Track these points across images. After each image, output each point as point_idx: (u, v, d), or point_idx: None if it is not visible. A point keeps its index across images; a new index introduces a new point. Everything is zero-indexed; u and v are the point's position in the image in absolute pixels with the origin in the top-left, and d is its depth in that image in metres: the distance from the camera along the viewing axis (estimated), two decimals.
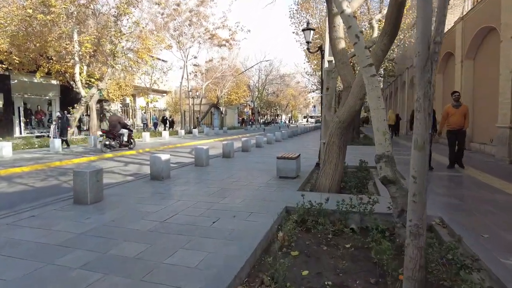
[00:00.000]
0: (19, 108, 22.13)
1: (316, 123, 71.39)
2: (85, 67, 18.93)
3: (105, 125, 28.56)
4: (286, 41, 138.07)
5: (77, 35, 17.00)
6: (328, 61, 8.07)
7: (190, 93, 32.21)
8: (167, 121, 33.95)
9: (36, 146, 15.40)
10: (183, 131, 24.99)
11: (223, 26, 31.61)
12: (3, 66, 17.42)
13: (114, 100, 25.65)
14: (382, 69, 15.95)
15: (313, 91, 32.50)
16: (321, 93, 9.80)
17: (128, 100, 31.48)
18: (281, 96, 60.22)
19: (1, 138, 18.59)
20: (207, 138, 23.15)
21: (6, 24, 16.25)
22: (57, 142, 13.97)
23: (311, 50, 10.19)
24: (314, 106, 66.91)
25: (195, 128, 30.47)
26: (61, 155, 12.53)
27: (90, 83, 18.81)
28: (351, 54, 7.27)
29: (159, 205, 5.23)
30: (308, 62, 21.61)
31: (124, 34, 17.88)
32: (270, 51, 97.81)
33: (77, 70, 17.53)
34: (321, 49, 9.41)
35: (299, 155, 7.85)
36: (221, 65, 36.61)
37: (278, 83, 56.60)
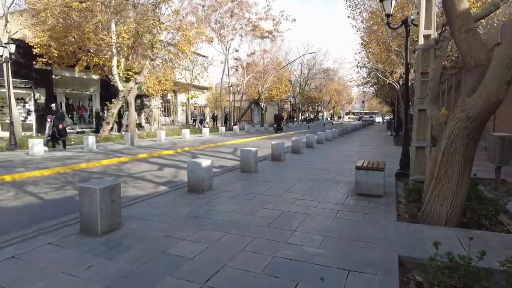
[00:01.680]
0: (61, 103, 21.82)
1: (359, 120, 67.43)
2: (123, 60, 17.95)
3: (145, 120, 28.01)
4: (331, 33, 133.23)
5: (114, 25, 15.96)
6: (425, 36, 5.89)
7: (231, 88, 30.77)
8: (216, 118, 32.86)
9: (73, 142, 14.57)
10: (223, 128, 23.56)
11: (266, 16, 29.77)
12: (43, 60, 16.89)
13: (153, 95, 24.76)
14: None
15: (362, 85, 29.64)
16: (400, 81, 7.66)
17: (169, 96, 30.74)
18: (324, 91, 57.24)
19: (42, 134, 18.28)
20: (248, 136, 21.46)
21: (45, 16, 15.60)
22: (91, 140, 12.92)
23: (392, 26, 7.97)
24: (363, 102, 62.70)
25: (235, 125, 28.99)
26: (93, 154, 11.39)
27: (128, 76, 17.81)
28: (478, 17, 5.02)
29: (197, 242, 3.47)
30: (364, 50, 19.05)
31: (163, 23, 16.59)
32: (313, 43, 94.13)
33: (114, 62, 16.55)
34: (405, 23, 7.20)
35: (385, 163, 5.75)
36: (263, 59, 34.80)
37: (321, 78, 53.77)
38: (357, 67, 21.70)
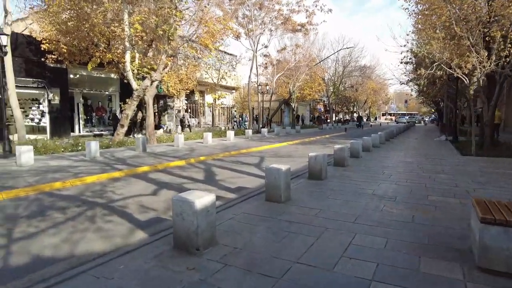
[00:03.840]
0: (78, 104, 20.55)
1: (396, 122, 62.52)
2: (137, 56, 16.10)
3: (168, 122, 26.31)
4: (365, 30, 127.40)
5: (127, 16, 14.09)
6: None
7: (259, 87, 28.37)
8: (256, 119, 30.63)
9: (80, 148, 12.81)
10: (250, 131, 21.21)
11: (298, 8, 27.12)
12: (53, 56, 15.40)
13: (175, 95, 22.91)
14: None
15: (406, 83, 26.12)
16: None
17: (196, 96, 28.96)
18: (360, 90, 53.39)
19: (57, 137, 16.87)
20: (278, 140, 18.93)
21: (55, 10, 14.06)
22: (94, 146, 11.02)
23: None
24: (406, 101, 57.66)
25: (263, 127, 26.59)
26: (89, 165, 9.40)
27: (143, 74, 15.93)
28: None
29: None
30: (416, 39, 15.90)
31: (180, 11, 14.51)
32: (349, 39, 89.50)
33: (127, 58, 14.69)
34: None
35: None
36: (295, 54, 32.13)
37: (357, 76, 50.07)
38: (401, 63, 18.58)
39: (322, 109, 54.47)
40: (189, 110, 28.25)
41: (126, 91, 20.75)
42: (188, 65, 22.77)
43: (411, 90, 31.76)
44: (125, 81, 16.29)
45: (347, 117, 63.87)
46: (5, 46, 10.86)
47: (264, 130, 22.88)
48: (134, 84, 15.17)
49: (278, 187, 5.18)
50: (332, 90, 45.47)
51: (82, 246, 3.68)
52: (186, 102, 28.00)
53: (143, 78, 15.99)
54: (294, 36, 31.69)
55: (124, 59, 15.06)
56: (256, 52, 27.21)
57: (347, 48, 38.16)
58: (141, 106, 19.39)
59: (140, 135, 19.11)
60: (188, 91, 24.65)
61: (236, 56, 31.45)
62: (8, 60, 12.97)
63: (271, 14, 27.34)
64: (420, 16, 14.18)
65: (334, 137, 22.43)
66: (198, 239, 3.30)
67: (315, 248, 3.43)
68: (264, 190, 5.60)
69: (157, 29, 14.46)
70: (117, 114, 19.97)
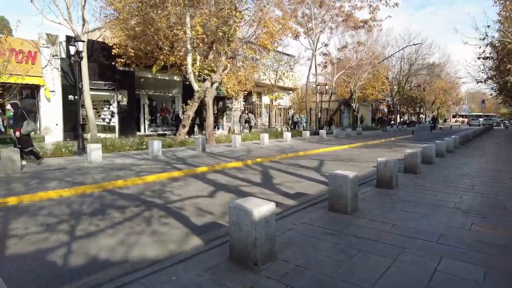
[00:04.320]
0: (143, 105, 21.76)
1: (469, 124, 56.45)
2: (198, 58, 16.46)
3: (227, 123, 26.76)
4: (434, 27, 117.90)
5: (189, 18, 14.46)
6: None
7: (318, 87, 27.49)
8: (319, 120, 29.79)
9: (144, 147, 13.40)
10: (307, 133, 20.56)
11: (361, 4, 25.76)
12: (122, 60, 16.42)
13: (234, 96, 23.14)
14: None
15: (485, 81, 23.21)
16: None
17: (253, 98, 29.09)
18: (427, 89, 49.30)
19: (124, 136, 18.03)
20: (338, 143, 18.04)
21: (123, 13, 14.98)
22: (156, 145, 11.39)
23: None
24: (484, 101, 51.74)
25: (322, 128, 25.70)
26: (151, 163, 9.68)
27: (204, 76, 16.26)
28: None
29: None
30: (500, 30, 13.93)
31: (240, 12, 14.48)
32: (416, 35, 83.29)
33: (189, 60, 15.08)
34: None
35: None
36: (356, 52, 30.63)
37: (424, 74, 46.28)
38: (479, 58, 16.47)
39: (386, 110, 51.37)
40: (246, 111, 28.46)
41: (188, 93, 21.46)
42: (246, 67, 22.87)
43: (492, 89, 28.36)
44: (187, 83, 16.79)
45: (413, 118, 59.46)
46: (81, 51, 11.72)
47: (323, 131, 22.04)
48: (195, 86, 15.51)
49: (343, 196, 4.65)
50: (396, 90, 42.60)
51: (136, 251, 3.56)
52: (244, 103, 28.23)
53: (204, 80, 16.32)
54: (356, 33, 30.26)
55: (186, 61, 15.49)
56: (315, 51, 26.45)
57: (414, 44, 35.28)
58: (202, 107, 19.90)
59: (199, 135, 19.58)
60: (246, 92, 24.78)
61: (294, 56, 30.95)
62: (84, 64, 14.06)
63: (332, 12, 26.37)
64: (508, 2, 12.39)
65: (400, 140, 20.80)
66: (256, 252, 2.96)
67: (392, 273, 2.88)
68: (327, 198, 5.11)
69: (217, 31, 14.62)
70: (179, 115, 20.73)
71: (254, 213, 2.93)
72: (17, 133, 8.84)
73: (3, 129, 15.41)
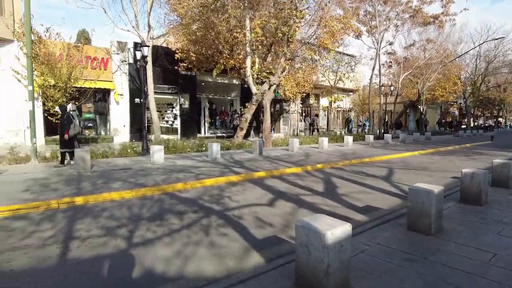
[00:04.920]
0: (204, 108, 22.31)
1: None
2: (257, 60, 16.34)
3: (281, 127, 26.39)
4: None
5: (249, 21, 14.38)
6: None
7: (382, 88, 25.80)
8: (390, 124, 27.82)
9: (204, 149, 13.57)
10: (371, 137, 19.28)
11: None
12: (184, 64, 16.93)
13: (291, 99, 22.68)
14: None
15: None
16: None
17: (311, 100, 28.37)
18: (509, 90, 43.85)
19: (185, 138, 18.59)
20: (405, 148, 16.60)
21: (186, 18, 15.42)
22: (215, 148, 11.39)
23: None
24: None
25: (386, 132, 24.03)
26: (210, 166, 9.64)
27: (262, 78, 16.08)
28: None
29: None
30: None
31: (300, 11, 13.99)
32: (496, 28, 74.83)
33: (248, 63, 15.01)
34: None
35: None
36: (425, 50, 28.26)
37: (505, 73, 41.16)
38: None
39: (457, 113, 46.80)
40: (309, 114, 27.79)
41: (246, 96, 21.55)
42: (305, 68, 22.28)
43: None
44: (245, 86, 16.79)
45: (490, 122, 53.41)
46: (146, 56, 12.22)
47: (388, 136, 20.53)
48: (254, 89, 15.39)
49: (426, 214, 3.95)
50: (470, 91, 38.50)
51: (193, 265, 3.30)
52: (301, 105, 27.62)
53: (262, 83, 16.14)
54: (424, 30, 27.92)
55: (245, 64, 15.45)
56: (379, 51, 24.89)
57: (495, 39, 31.41)
58: (259, 110, 19.80)
59: (256, 138, 19.48)
60: (304, 95, 24.16)
61: (355, 56, 29.51)
62: (149, 69, 14.70)
63: (398, 8, 24.61)
64: None
65: (478, 146, 18.53)
66: (328, 281, 2.50)
67: None
68: (403, 214, 4.43)
69: (276, 32, 14.33)
70: (236, 118, 20.87)
71: (327, 236, 2.47)
72: (66, 136, 9.15)
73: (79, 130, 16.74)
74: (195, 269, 3.21)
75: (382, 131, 24.88)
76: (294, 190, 6.62)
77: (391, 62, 30.07)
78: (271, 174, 8.41)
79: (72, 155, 9.40)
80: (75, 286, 2.93)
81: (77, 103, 13.67)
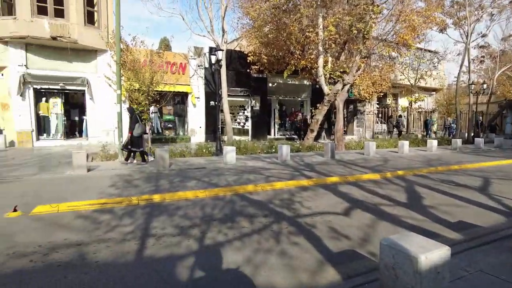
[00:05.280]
0: (274, 110, 22.35)
1: None
2: (330, 59, 15.75)
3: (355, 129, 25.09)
4: None
5: (321, 19, 13.93)
6: None
7: (472, 87, 22.89)
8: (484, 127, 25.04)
9: (273, 150, 13.50)
10: (459, 141, 17.20)
11: None
12: (256, 67, 17.12)
13: (367, 99, 21.44)
14: None
15: None
16: None
17: (388, 100, 26.55)
18: None
19: (256, 140, 18.82)
20: (502, 155, 14.42)
21: (258, 23, 15.58)
22: (285, 150, 11.21)
23: None
24: None
25: (477, 136, 21.27)
26: (280, 168, 9.48)
27: (335, 78, 15.44)
28: None
29: None
30: None
31: (377, 5, 13.06)
32: None
33: (320, 62, 14.54)
34: None
35: None
36: None
37: None
38: None
39: None
40: (380, 115, 26.12)
41: (317, 97, 21.00)
42: (382, 66, 20.87)
43: None
44: (317, 86, 16.34)
45: None
46: (220, 60, 12.59)
47: (479, 140, 18.12)
48: (326, 89, 14.86)
49: None
50: None
51: (263, 275, 3.13)
52: (377, 106, 25.98)
53: (334, 83, 15.52)
54: None
55: (317, 64, 15.02)
56: (468, 44, 22.12)
57: None
58: (330, 111, 19.10)
59: (328, 141, 18.84)
60: (381, 94, 22.66)
61: (438, 52, 26.75)
62: (223, 72, 15.17)
63: None
64: None
65: None
66: None
67: None
68: (510, 234, 3.68)
69: (351, 29, 13.62)
70: (307, 119, 20.44)
71: (420, 260, 2.08)
72: (129, 135, 9.84)
73: (160, 130, 18.09)
74: (265, 279, 3.04)
75: (472, 134, 22.08)
76: (372, 199, 6.07)
77: (483, 56, 26.62)
78: (345, 180, 7.91)
79: (144, 154, 10.19)
80: (148, 284, 2.97)
81: (158, 105, 14.78)
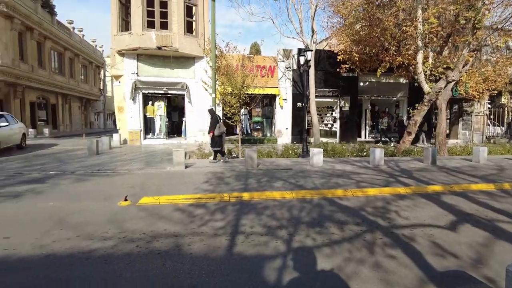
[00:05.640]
0: (365, 110, 21.21)
1: None
2: (431, 55, 14.20)
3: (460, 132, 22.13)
4: None
5: (421, 11, 12.64)
6: None
7: None
8: None
9: (364, 154, 12.78)
10: None
11: None
12: (346, 66, 16.46)
13: (476, 98, 18.75)
14: None
15: None
16: None
17: (504, 99, 22.88)
18: None
19: (344, 142, 18.15)
20: None
21: (350, 21, 14.96)
22: (378, 153, 10.48)
23: None
24: None
25: None
26: (373, 173, 8.88)
27: (437, 75, 13.83)
28: None
29: None
30: None
31: None
32: None
33: (419, 58, 13.19)
34: None
35: None
36: None
37: None
38: None
39: None
40: (492, 117, 22.60)
41: (414, 96, 19.24)
42: (497, 59, 18.00)
43: None
44: (416, 84, 14.90)
45: None
46: (309, 60, 12.45)
47: None
48: (426, 87, 13.45)
49: None
50: None
51: (355, 287, 2.91)
52: (489, 106, 22.55)
53: (436, 81, 13.93)
54: None
55: (415, 60, 13.71)
56: None
57: None
58: (431, 112, 17.23)
59: (427, 145, 17.10)
60: (495, 93, 19.60)
61: None
62: (311, 73, 15.00)
63: None
64: None
65: None
66: None
67: None
68: None
69: (458, 19, 12.05)
70: (403, 121, 18.85)
71: None
72: (211, 134, 10.47)
73: (249, 131, 18.78)
74: None
75: None
76: (485, 213, 5.22)
77: None
78: (450, 189, 6.98)
79: (222, 154, 10.77)
80: (238, 282, 3.03)
81: (248, 107, 15.32)
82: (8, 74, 20.49)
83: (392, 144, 17.28)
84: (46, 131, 23.45)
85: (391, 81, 19.61)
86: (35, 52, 24.21)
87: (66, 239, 3.96)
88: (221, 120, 10.93)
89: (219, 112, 14.79)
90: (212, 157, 10.87)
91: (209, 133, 10.70)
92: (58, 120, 29.48)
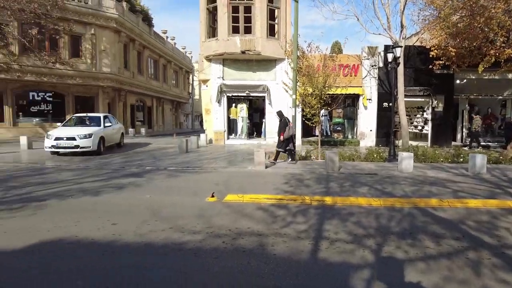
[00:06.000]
0: (463, 111, 18.94)
1: None
2: None
3: None
4: None
5: None
6: None
7: None
8: None
9: (461, 160, 11.37)
10: None
11: None
12: (440, 62, 14.89)
13: None
14: None
15: None
16: None
17: None
18: None
19: (437, 146, 16.48)
20: None
21: (446, 12, 13.51)
22: (480, 160, 9.22)
23: None
24: None
25: None
26: (474, 182, 7.84)
27: None
28: None
29: None
30: None
31: None
32: None
33: None
34: None
35: None
36: None
37: None
38: None
39: None
40: None
41: None
42: None
43: None
44: None
45: None
46: (398, 57, 11.59)
47: None
48: None
49: None
50: None
51: None
52: None
53: None
54: None
55: None
56: None
57: None
58: None
59: None
60: None
61: None
62: (400, 71, 13.94)
63: None
64: None
65: None
66: None
67: None
68: None
69: None
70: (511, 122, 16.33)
71: None
72: (281, 137, 10.39)
73: (329, 133, 18.33)
74: None
75: None
76: None
77: None
78: None
79: (291, 155, 10.72)
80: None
81: (329, 108, 14.95)
82: (115, 80, 23.65)
83: (496, 150, 15.07)
84: (142, 130, 26.39)
85: (496, 77, 17.12)
86: (136, 61, 27.43)
87: (161, 230, 4.34)
88: (290, 122, 10.88)
89: (298, 113, 14.72)
90: (290, 159, 10.86)
91: (279, 135, 10.72)
92: (153, 121, 32.87)
